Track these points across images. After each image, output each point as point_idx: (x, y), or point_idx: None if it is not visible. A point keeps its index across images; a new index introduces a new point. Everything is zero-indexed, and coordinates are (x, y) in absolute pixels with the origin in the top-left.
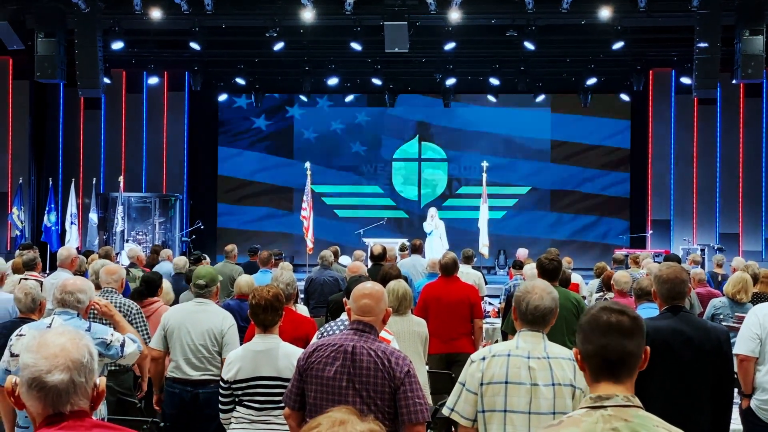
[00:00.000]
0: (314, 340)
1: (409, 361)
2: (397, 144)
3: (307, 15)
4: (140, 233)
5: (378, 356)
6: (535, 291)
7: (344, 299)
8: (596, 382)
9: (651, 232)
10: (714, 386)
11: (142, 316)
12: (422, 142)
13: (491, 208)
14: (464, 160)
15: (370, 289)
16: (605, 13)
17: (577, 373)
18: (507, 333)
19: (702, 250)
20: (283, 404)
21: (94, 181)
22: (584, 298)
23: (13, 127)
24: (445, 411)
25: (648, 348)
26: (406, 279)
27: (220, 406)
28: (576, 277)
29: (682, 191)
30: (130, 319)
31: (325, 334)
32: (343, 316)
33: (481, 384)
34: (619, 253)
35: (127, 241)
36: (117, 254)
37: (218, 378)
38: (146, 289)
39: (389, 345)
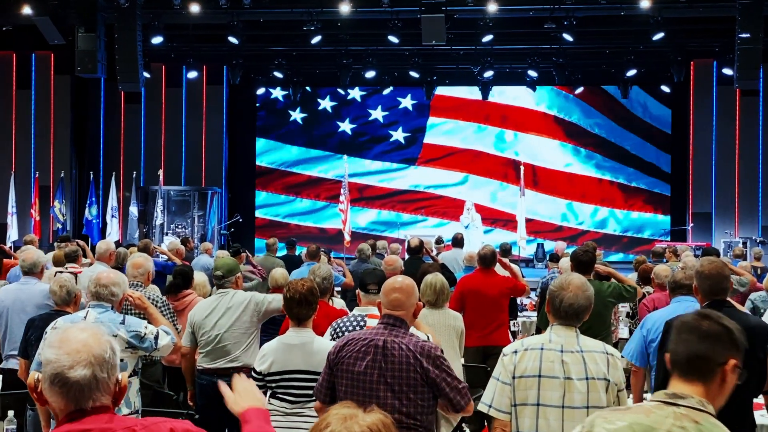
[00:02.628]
0: (327, 334)
1: (440, 350)
2: (437, 134)
3: (345, 8)
4: (179, 226)
5: (410, 350)
6: (570, 288)
7: (357, 291)
8: (674, 379)
9: (692, 225)
10: (759, 382)
11: (169, 308)
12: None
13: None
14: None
15: (400, 283)
16: (645, 3)
17: (611, 367)
18: (542, 328)
19: (744, 244)
20: (313, 395)
21: (134, 175)
22: None
23: (55, 121)
24: (482, 408)
25: (734, 362)
26: (447, 270)
27: None
28: None
29: (724, 184)
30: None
31: (337, 329)
32: (356, 310)
33: (514, 377)
34: (659, 246)
35: (167, 234)
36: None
37: (244, 366)
38: (181, 281)
39: (419, 338)
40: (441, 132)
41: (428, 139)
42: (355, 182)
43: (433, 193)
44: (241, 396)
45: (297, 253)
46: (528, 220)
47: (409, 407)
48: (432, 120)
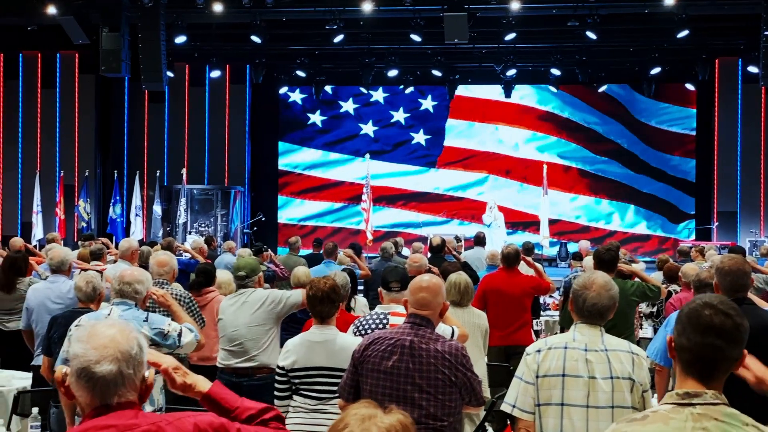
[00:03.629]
0: (350, 331)
1: (465, 350)
2: (459, 135)
3: (367, 7)
4: (202, 225)
5: (437, 351)
6: (593, 288)
7: (380, 289)
8: (685, 377)
9: (717, 224)
10: None
11: (195, 305)
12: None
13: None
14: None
15: (427, 282)
16: (669, 1)
17: (636, 366)
18: (565, 327)
19: None
20: (337, 393)
21: (157, 174)
22: None
23: (80, 120)
24: (505, 408)
25: (746, 351)
26: (469, 269)
27: (276, 393)
28: None
29: (749, 182)
30: (184, 308)
31: (360, 327)
32: (378, 308)
33: (537, 376)
34: (684, 245)
35: (190, 233)
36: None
37: (261, 367)
38: (204, 279)
39: (445, 338)
40: (461, 133)
41: (449, 141)
42: (376, 184)
43: (453, 194)
44: (194, 378)
45: (321, 252)
46: (552, 221)
47: (437, 408)
48: (452, 122)
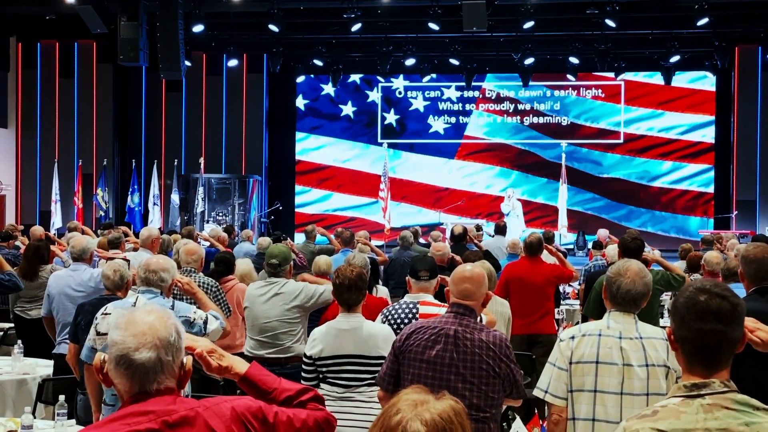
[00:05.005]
0: (378, 320)
1: (508, 341)
2: (478, 123)
3: None
4: (220, 214)
5: (482, 341)
6: (628, 275)
7: (407, 278)
8: (690, 367)
9: (736, 212)
10: None
11: (222, 293)
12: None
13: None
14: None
15: (470, 272)
16: None
17: (671, 354)
18: (588, 316)
19: None
20: (367, 383)
21: (175, 163)
22: None
23: (98, 109)
24: (538, 393)
25: (746, 332)
26: (491, 257)
27: (302, 382)
28: None
29: None
30: (210, 296)
31: (388, 315)
32: (407, 297)
33: (570, 363)
34: (707, 234)
35: (207, 221)
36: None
37: (294, 356)
38: (223, 268)
39: (489, 329)
40: (480, 127)
41: (468, 132)
42: (394, 176)
43: (470, 189)
44: (230, 359)
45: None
46: (570, 212)
47: (480, 399)
48: (472, 115)
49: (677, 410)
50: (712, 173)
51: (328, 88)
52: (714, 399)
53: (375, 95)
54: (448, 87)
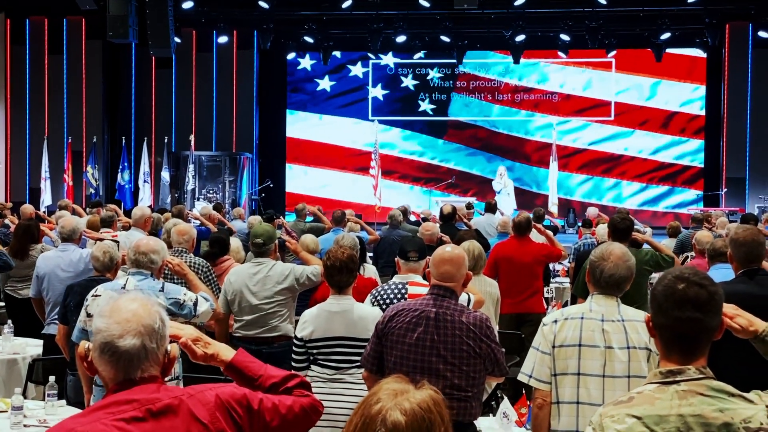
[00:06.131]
0: (367, 300)
1: (489, 321)
2: (466, 102)
3: None
4: (211, 191)
5: (462, 322)
6: (611, 259)
7: (397, 259)
8: (668, 354)
9: (725, 190)
10: None
11: (212, 274)
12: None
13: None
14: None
15: (450, 254)
16: None
17: (650, 336)
18: (578, 296)
19: None
20: (358, 364)
21: (165, 140)
22: None
23: (87, 87)
24: (522, 378)
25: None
26: (481, 236)
27: (293, 364)
28: None
29: (758, 148)
30: (201, 277)
31: (378, 297)
32: (396, 278)
33: (554, 347)
34: (697, 212)
35: (198, 199)
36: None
37: (281, 335)
38: (218, 249)
39: (470, 310)
40: (467, 108)
41: (454, 114)
42: (384, 153)
43: (458, 167)
44: (216, 347)
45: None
46: (560, 189)
47: (462, 379)
48: (458, 96)
49: (652, 396)
50: (702, 151)
51: (318, 65)
52: (689, 385)
53: (365, 72)
54: (438, 64)
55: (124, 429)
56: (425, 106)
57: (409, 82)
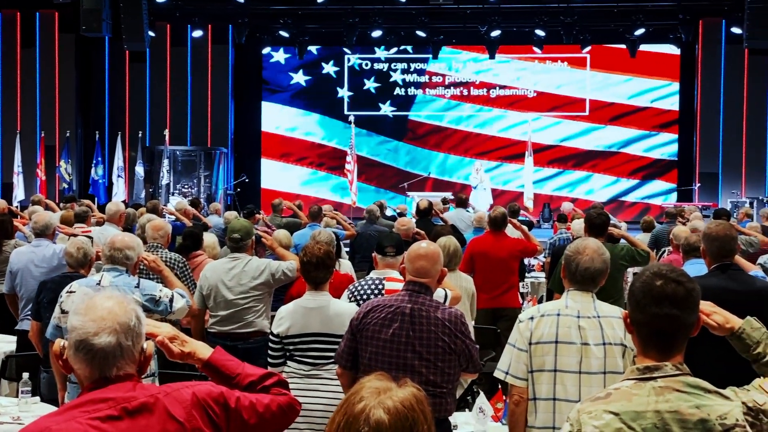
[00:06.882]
0: (344, 296)
1: (464, 317)
2: (436, 101)
3: None
4: (186, 186)
5: (437, 318)
6: (586, 252)
7: (374, 254)
8: (645, 351)
9: (698, 185)
10: None
11: (188, 270)
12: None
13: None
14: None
15: (425, 250)
16: None
17: (627, 332)
18: (554, 291)
19: (750, 204)
20: (334, 360)
21: (140, 135)
22: None
23: (60, 81)
24: (499, 375)
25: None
26: (457, 231)
27: (269, 360)
28: None
29: (731, 143)
30: (177, 272)
31: (355, 292)
32: (373, 273)
33: (530, 343)
34: (671, 207)
35: (173, 194)
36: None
37: (257, 331)
38: (191, 243)
39: (445, 306)
40: (434, 108)
41: (416, 115)
42: (360, 154)
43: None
44: (193, 345)
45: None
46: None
47: (437, 375)
48: (423, 96)
49: (629, 393)
50: (676, 145)
51: (293, 60)
52: (666, 382)
53: (339, 67)
54: (413, 59)
55: (99, 428)
56: (389, 107)
57: (383, 78)
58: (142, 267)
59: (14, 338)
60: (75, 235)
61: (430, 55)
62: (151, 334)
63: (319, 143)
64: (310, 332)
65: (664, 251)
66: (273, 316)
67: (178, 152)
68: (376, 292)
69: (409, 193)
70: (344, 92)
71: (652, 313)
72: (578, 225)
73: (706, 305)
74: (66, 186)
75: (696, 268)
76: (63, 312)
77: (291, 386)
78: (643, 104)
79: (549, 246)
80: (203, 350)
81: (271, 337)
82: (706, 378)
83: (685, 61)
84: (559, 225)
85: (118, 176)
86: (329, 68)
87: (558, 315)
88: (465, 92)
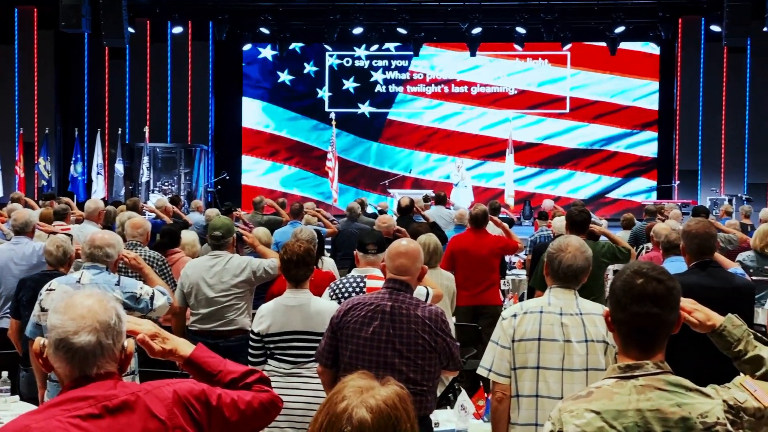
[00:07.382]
0: (326, 294)
1: (444, 315)
2: (417, 100)
3: None
4: (166, 183)
5: (418, 316)
6: (569, 250)
7: (355, 252)
8: (626, 349)
9: (678, 182)
10: None
11: (168, 267)
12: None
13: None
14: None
15: (406, 247)
16: None
17: (609, 331)
18: (535, 288)
19: (730, 201)
20: (314, 358)
21: (119, 132)
22: None
23: (39, 77)
24: (482, 372)
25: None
26: (438, 229)
27: (249, 359)
28: None
29: (710, 141)
30: (156, 270)
31: (336, 290)
32: (355, 271)
33: (513, 341)
34: (650, 204)
35: (153, 191)
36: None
37: (238, 329)
38: (168, 240)
39: (426, 303)
40: (415, 106)
41: (396, 113)
42: (340, 155)
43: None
44: (174, 342)
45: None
46: (516, 182)
47: (417, 373)
48: (403, 95)
49: (611, 391)
50: (656, 143)
51: (274, 57)
52: (647, 380)
53: (319, 66)
54: (394, 56)
55: (80, 426)
56: (369, 106)
57: (364, 77)
58: (121, 265)
59: None
60: (54, 233)
61: (412, 53)
62: (132, 332)
63: (299, 141)
64: (291, 330)
65: (643, 248)
66: (254, 314)
67: (158, 149)
68: (357, 290)
69: (390, 191)
70: (324, 90)
71: (632, 311)
72: (559, 222)
73: (687, 302)
74: (45, 183)
75: (675, 265)
76: (43, 310)
77: (272, 385)
78: (623, 102)
79: (530, 243)
80: (184, 347)
81: (251, 335)
82: (687, 376)
83: (664, 60)
84: (540, 222)
85: (98, 173)
86: (310, 67)
87: (541, 312)
88: (446, 90)
